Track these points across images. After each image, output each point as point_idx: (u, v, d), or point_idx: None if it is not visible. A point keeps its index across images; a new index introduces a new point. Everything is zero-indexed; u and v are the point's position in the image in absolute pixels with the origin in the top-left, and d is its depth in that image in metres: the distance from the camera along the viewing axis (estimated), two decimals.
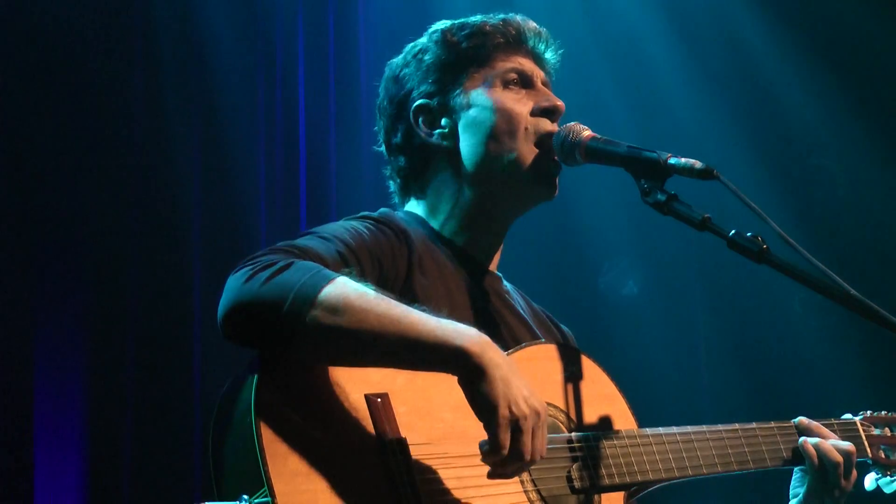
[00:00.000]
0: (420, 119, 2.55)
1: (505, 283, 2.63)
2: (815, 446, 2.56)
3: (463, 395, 1.99)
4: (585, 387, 2.36)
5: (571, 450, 2.25)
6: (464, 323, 2.04)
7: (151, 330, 4.80)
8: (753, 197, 2.12)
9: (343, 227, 2.28)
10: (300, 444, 1.96)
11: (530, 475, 2.17)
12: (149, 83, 5.01)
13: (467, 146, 2.51)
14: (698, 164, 2.21)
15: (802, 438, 2.59)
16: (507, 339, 2.40)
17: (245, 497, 1.92)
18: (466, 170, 2.51)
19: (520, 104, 2.50)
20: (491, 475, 2.00)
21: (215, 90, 5.20)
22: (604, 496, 2.27)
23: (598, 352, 2.48)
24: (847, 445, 2.59)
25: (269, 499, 1.90)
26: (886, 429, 2.79)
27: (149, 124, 4.98)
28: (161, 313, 4.85)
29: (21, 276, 4.58)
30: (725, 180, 2.16)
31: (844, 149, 5.74)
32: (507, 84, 2.53)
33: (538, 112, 2.51)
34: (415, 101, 2.55)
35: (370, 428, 2.03)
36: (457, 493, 2.07)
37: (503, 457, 1.96)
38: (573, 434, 2.28)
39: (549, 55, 2.62)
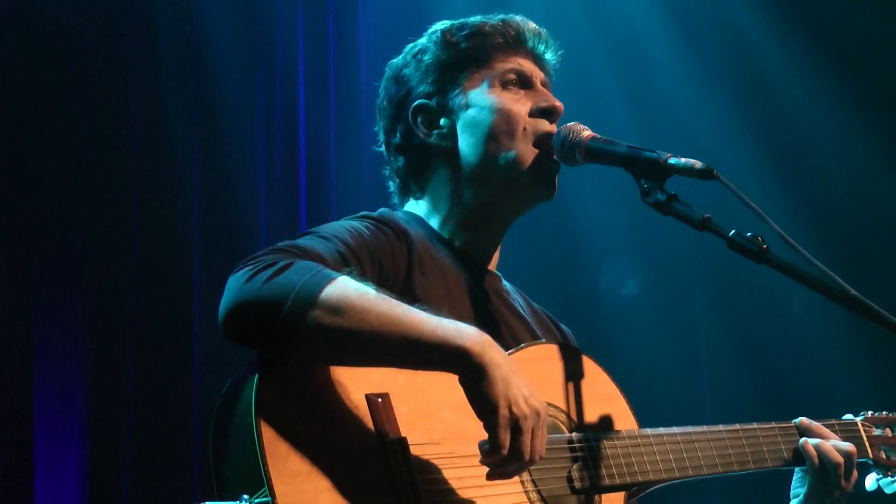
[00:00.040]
0: (419, 119, 2.55)
1: (504, 282, 2.62)
2: (816, 447, 2.56)
3: (464, 395, 1.99)
4: (586, 387, 2.36)
5: (572, 450, 2.25)
6: (464, 322, 2.04)
7: (151, 330, 4.80)
8: (753, 196, 2.11)
9: (343, 227, 2.28)
10: (301, 444, 1.95)
11: (530, 475, 2.17)
12: (149, 83, 5.01)
13: (466, 146, 2.50)
14: (698, 164, 2.21)
15: (803, 439, 2.59)
16: (508, 339, 2.40)
17: (245, 497, 1.92)
18: (465, 170, 2.51)
19: (518, 104, 2.50)
20: (490, 475, 2.00)
21: (215, 90, 5.21)
22: (604, 496, 2.27)
23: (598, 352, 2.48)
24: (848, 446, 2.59)
25: (269, 499, 1.89)
26: (887, 429, 2.79)
27: (149, 124, 4.98)
28: (161, 313, 4.85)
29: (21, 276, 4.58)
30: (725, 180, 2.16)
31: (845, 148, 5.74)
32: (505, 84, 2.52)
33: (536, 112, 2.50)
34: (414, 102, 2.55)
35: (371, 428, 2.03)
36: (457, 493, 2.06)
37: (503, 456, 1.96)
38: (573, 434, 2.28)
39: (548, 56, 2.62)
